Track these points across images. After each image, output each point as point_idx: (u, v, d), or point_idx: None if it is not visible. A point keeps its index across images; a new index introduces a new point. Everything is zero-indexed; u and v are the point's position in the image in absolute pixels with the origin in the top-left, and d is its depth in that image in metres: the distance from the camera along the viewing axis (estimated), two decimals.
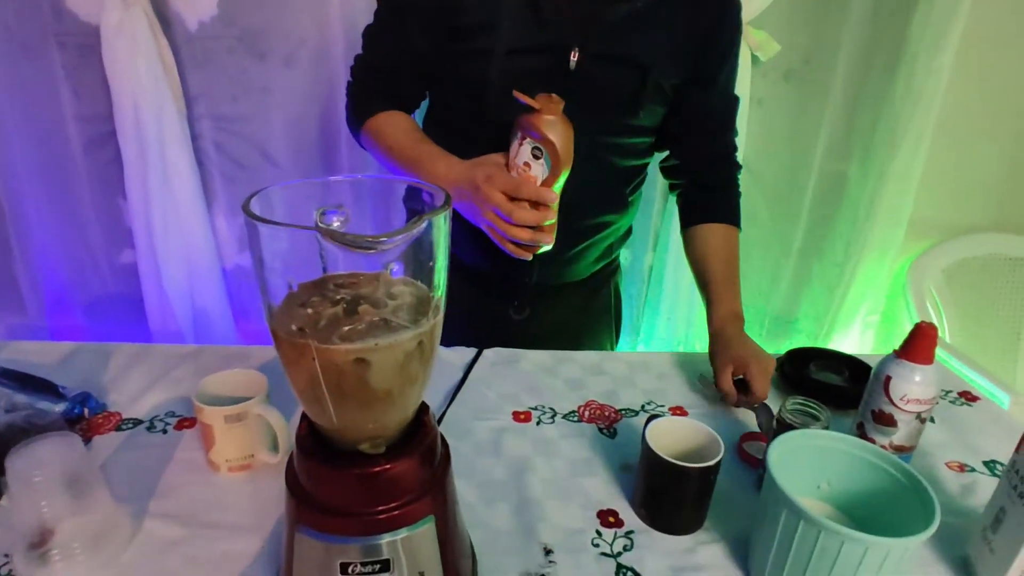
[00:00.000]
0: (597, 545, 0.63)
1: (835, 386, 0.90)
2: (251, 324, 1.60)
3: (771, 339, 1.70)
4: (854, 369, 0.93)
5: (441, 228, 0.40)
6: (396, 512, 0.47)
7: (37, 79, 1.34)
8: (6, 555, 0.58)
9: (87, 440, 0.74)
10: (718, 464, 0.63)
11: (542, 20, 0.83)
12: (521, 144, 0.72)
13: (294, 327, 0.40)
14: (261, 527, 0.62)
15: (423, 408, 0.50)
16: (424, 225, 0.37)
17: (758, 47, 1.34)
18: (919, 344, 0.67)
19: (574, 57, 0.84)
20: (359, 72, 0.95)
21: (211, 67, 1.36)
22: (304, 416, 0.49)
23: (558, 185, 0.73)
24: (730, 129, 1.02)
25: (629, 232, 1.10)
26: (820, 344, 1.69)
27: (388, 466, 0.46)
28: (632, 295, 1.62)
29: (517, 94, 0.68)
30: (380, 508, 0.46)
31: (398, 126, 0.91)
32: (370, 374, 0.41)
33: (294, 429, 0.69)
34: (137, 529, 0.62)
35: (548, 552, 0.62)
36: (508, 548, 0.62)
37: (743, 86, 1.34)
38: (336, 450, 0.47)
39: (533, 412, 0.83)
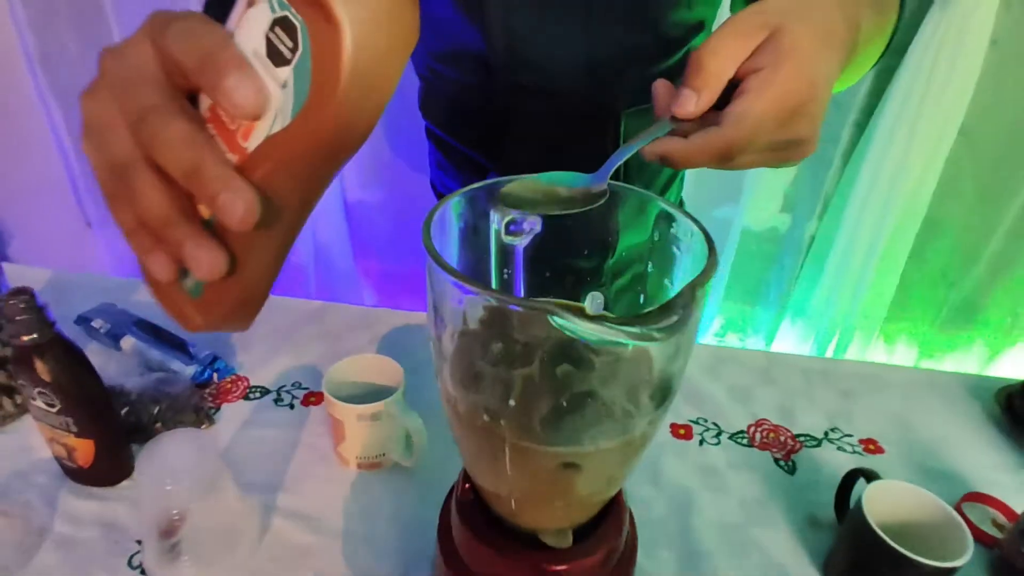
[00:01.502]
0: None
1: None
2: (370, 262, 1.56)
3: (946, 329, 1.45)
4: None
5: (703, 297, 0.27)
6: None
7: None
8: (138, 541, 0.56)
9: (216, 407, 0.70)
10: (964, 564, 0.48)
11: None
12: (247, 9, 0.24)
13: (484, 416, 0.29)
14: (397, 546, 0.56)
15: None
16: (694, 303, 0.24)
17: None
18: None
19: None
20: None
21: None
22: (467, 475, 0.39)
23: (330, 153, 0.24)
24: None
25: None
26: (1006, 344, 1.43)
27: (570, 566, 0.36)
28: (784, 265, 1.42)
29: None
30: None
31: None
32: (578, 478, 0.30)
33: (429, 430, 0.61)
34: (266, 527, 0.58)
35: None
36: None
37: (984, 26, 1.05)
38: (507, 528, 0.37)
39: (694, 427, 0.71)
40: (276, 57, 0.22)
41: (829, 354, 1.44)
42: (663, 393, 0.32)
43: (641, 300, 0.38)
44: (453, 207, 0.35)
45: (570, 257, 0.40)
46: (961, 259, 1.36)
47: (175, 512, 0.50)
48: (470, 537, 0.38)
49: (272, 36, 0.22)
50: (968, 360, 1.48)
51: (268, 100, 0.22)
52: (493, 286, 0.41)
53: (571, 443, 0.28)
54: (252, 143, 0.23)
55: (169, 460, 0.49)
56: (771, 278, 1.45)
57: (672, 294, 0.35)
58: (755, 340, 1.54)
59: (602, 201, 0.32)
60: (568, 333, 0.23)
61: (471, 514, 0.38)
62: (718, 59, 0.33)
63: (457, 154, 0.77)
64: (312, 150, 0.23)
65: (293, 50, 0.22)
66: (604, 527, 0.38)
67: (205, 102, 0.25)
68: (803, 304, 1.43)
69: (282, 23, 0.22)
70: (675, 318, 0.22)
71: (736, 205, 1.34)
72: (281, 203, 0.24)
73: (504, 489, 0.33)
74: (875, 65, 0.55)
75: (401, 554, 0.55)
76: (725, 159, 0.32)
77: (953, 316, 1.43)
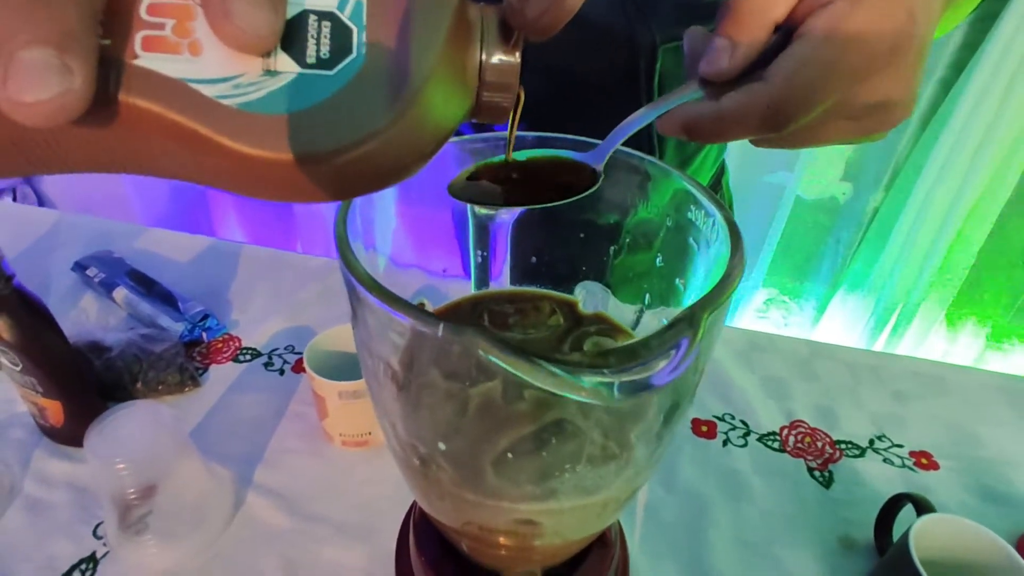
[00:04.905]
0: None
1: None
2: None
3: (1022, 317, 1.31)
4: None
5: (718, 322, 0.19)
6: None
7: None
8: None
9: (204, 368, 0.66)
10: None
11: None
12: None
13: (415, 459, 0.23)
14: (374, 532, 0.51)
15: None
16: (696, 338, 0.17)
17: None
18: None
19: None
20: None
21: None
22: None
23: None
24: None
25: None
26: None
27: None
28: (840, 238, 1.29)
29: None
30: None
31: None
32: (541, 535, 0.23)
33: None
34: (240, 502, 0.54)
35: None
36: None
37: None
38: (468, 564, 0.31)
39: (719, 425, 0.64)
40: (291, 42, 0.15)
41: (886, 333, 1.32)
42: (662, 423, 0.24)
43: (646, 300, 0.30)
44: None
45: (563, 238, 0.32)
46: None
47: (131, 491, 0.46)
48: (426, 566, 0.32)
49: (311, 20, 0.15)
50: None
51: (269, 44, 0.15)
52: (471, 269, 0.34)
53: (528, 499, 0.21)
54: (150, 60, 0.15)
55: (121, 438, 0.45)
56: (824, 252, 1.33)
57: (685, 301, 0.27)
58: (801, 319, 1.43)
59: (595, 188, 0.24)
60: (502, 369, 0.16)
61: (427, 542, 0.32)
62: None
63: None
64: (210, 156, 0.16)
65: (321, 60, 0.15)
66: (585, 565, 0.31)
67: None
68: (860, 280, 1.30)
69: (334, 22, 0.15)
70: (660, 366, 0.15)
71: (791, 171, 1.22)
72: (93, 141, 0.16)
73: (453, 535, 0.26)
74: (980, 5, 0.43)
75: (374, 547, 0.50)
76: (773, 127, 0.23)
77: None
